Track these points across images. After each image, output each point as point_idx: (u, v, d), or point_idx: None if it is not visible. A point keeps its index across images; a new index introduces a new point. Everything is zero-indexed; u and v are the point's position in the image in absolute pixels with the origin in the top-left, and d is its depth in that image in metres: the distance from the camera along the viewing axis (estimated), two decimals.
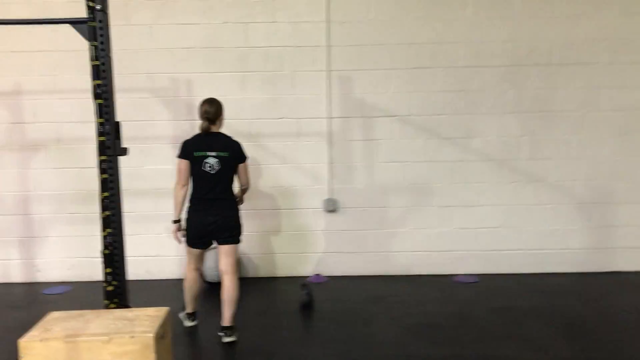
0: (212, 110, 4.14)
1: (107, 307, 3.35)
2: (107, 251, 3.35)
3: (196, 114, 5.30)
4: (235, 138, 4.22)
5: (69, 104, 5.39)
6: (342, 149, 5.46)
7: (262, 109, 5.42)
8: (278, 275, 5.62)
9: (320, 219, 5.55)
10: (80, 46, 5.42)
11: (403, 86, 5.39)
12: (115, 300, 3.37)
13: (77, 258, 5.58)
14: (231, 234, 4.16)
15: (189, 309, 4.45)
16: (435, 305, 4.77)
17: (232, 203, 4.18)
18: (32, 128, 5.42)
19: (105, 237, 3.35)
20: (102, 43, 3.36)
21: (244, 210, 5.48)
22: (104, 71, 3.36)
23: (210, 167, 4.05)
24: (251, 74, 5.39)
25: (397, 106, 5.40)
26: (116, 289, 3.39)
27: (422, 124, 5.43)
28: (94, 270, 5.55)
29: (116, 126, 3.47)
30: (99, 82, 3.28)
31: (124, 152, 3.57)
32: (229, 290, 4.13)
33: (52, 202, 5.51)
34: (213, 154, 4.06)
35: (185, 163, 4.09)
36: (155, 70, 5.37)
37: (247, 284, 5.45)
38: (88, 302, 4.97)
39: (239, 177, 4.24)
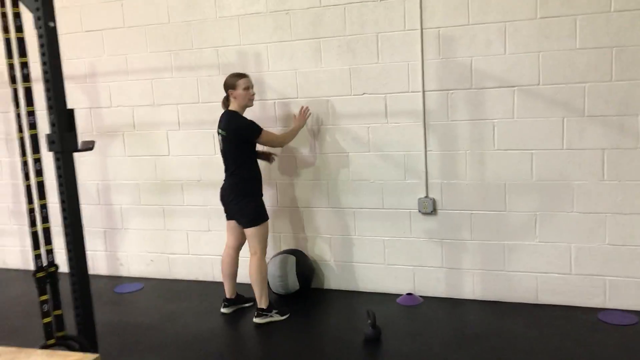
0: (225, 84, 4.06)
1: (44, 345, 2.68)
2: (41, 274, 2.67)
3: (267, 93, 4.50)
4: (249, 118, 4.01)
5: (139, 85, 4.90)
6: (443, 132, 4.14)
7: (340, 83, 4.33)
8: (360, 290, 4.52)
9: (415, 223, 4.31)
10: (148, 21, 4.92)
11: (527, 44, 3.85)
12: (60, 334, 2.70)
13: (155, 253, 5.14)
14: (239, 215, 4.08)
15: (226, 294, 4.31)
16: (560, 357, 3.32)
17: (236, 185, 4.04)
18: (108, 112, 5.06)
19: (37, 257, 2.67)
20: (37, 9, 2.64)
21: (320, 208, 4.54)
22: (42, 45, 2.65)
23: (220, 144, 4.11)
24: (326, 40, 4.31)
25: (519, 72, 3.90)
26: (59, 321, 2.71)
27: (555, 97, 3.85)
28: (172, 267, 5.08)
29: (69, 115, 2.76)
30: (24, 59, 2.59)
31: (88, 146, 2.86)
32: (250, 272, 4.06)
33: (130, 192, 5.11)
34: (219, 131, 4.07)
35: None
36: (222, 43, 4.60)
37: (320, 296, 4.50)
38: (145, 308, 4.48)
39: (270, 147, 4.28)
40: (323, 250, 4.60)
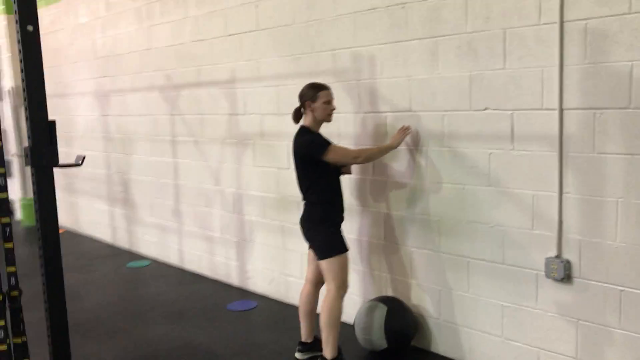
0: (301, 95, 3.50)
1: None
2: None
3: (380, 105, 3.84)
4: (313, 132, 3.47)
5: (267, 92, 4.57)
6: (586, 168, 2.89)
7: (457, 93, 3.35)
8: None
9: (542, 290, 3.11)
10: (277, 23, 4.53)
11: None
12: None
13: (276, 272, 4.77)
14: (312, 246, 3.50)
15: (302, 336, 3.70)
16: None
17: (307, 211, 3.48)
18: (243, 120, 4.84)
19: None
20: (15, 12, 2.43)
21: (430, 251, 3.61)
22: (20, 51, 2.44)
23: None
24: (444, 40, 3.37)
25: None
26: (21, 349, 2.48)
27: None
28: (288, 290, 4.67)
29: (50, 127, 2.51)
30: None
31: (77, 162, 2.60)
32: (320, 312, 3.44)
33: (258, 204, 4.83)
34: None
35: None
36: (338, 45, 3.97)
37: (417, 357, 3.59)
38: (235, 333, 4.16)
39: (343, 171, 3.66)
40: (430, 303, 3.66)
